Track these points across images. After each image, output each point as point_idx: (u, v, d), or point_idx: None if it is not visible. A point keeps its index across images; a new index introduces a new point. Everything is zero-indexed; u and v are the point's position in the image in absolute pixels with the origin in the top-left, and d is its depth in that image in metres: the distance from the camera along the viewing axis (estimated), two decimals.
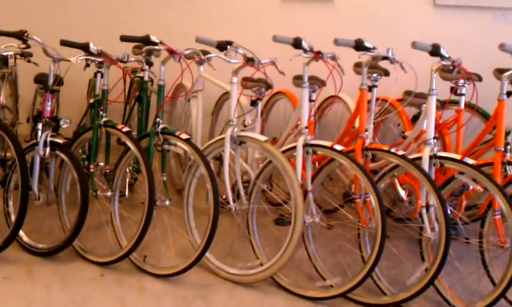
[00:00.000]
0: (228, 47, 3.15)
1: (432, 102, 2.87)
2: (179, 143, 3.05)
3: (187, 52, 3.15)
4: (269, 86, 3.48)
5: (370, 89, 3.23)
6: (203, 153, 3.03)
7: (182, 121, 3.97)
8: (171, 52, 3.11)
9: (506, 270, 2.56)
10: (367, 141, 2.97)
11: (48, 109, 3.20)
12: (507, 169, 2.76)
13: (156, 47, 3.14)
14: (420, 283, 2.67)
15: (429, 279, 2.65)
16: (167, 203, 3.05)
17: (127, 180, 3.37)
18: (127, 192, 3.35)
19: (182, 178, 3.73)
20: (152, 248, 3.18)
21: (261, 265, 2.95)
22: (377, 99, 3.26)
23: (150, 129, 3.15)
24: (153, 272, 2.97)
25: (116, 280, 2.91)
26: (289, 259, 2.80)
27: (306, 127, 3.02)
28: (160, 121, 3.10)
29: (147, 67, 3.51)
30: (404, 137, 3.38)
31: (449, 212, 2.97)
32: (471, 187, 2.95)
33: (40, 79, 3.81)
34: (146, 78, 3.60)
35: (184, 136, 3.05)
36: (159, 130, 3.09)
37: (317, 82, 3.39)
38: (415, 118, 3.57)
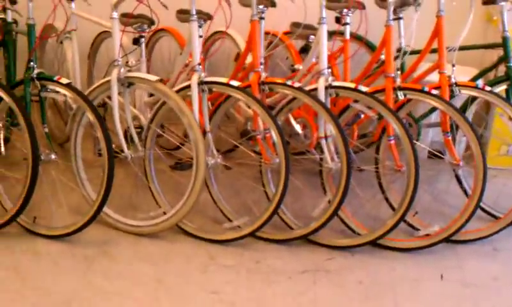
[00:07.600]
0: None
1: (324, 32, 2.83)
2: (59, 89, 2.74)
3: None
4: (152, 22, 3.23)
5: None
6: (88, 98, 2.76)
7: (55, 68, 3.59)
8: None
9: (405, 194, 2.67)
10: (263, 75, 2.89)
11: None
12: (398, 94, 2.83)
13: None
14: (325, 214, 2.70)
15: (333, 209, 2.68)
16: (53, 156, 2.76)
17: (1, 135, 2.99)
18: (2, 150, 2.97)
19: (65, 129, 3.39)
20: (41, 208, 2.88)
21: (164, 213, 2.81)
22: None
23: (24, 75, 2.78)
24: (46, 234, 2.71)
25: (5, 247, 2.62)
26: (194, 204, 2.69)
27: (199, 64, 2.86)
28: (35, 66, 2.75)
29: (10, 5, 3.07)
30: (293, 70, 3.36)
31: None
32: (362, 116, 3.02)
33: None
34: (9, 19, 3.16)
35: (65, 81, 2.74)
36: (35, 76, 2.74)
37: (202, 16, 3.21)
38: (302, 50, 3.55)
